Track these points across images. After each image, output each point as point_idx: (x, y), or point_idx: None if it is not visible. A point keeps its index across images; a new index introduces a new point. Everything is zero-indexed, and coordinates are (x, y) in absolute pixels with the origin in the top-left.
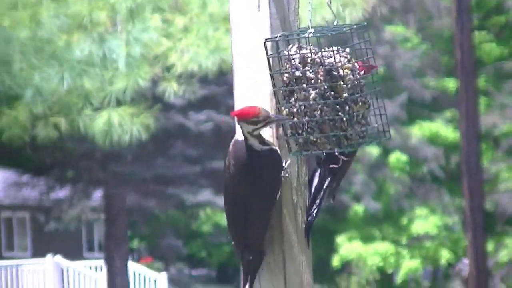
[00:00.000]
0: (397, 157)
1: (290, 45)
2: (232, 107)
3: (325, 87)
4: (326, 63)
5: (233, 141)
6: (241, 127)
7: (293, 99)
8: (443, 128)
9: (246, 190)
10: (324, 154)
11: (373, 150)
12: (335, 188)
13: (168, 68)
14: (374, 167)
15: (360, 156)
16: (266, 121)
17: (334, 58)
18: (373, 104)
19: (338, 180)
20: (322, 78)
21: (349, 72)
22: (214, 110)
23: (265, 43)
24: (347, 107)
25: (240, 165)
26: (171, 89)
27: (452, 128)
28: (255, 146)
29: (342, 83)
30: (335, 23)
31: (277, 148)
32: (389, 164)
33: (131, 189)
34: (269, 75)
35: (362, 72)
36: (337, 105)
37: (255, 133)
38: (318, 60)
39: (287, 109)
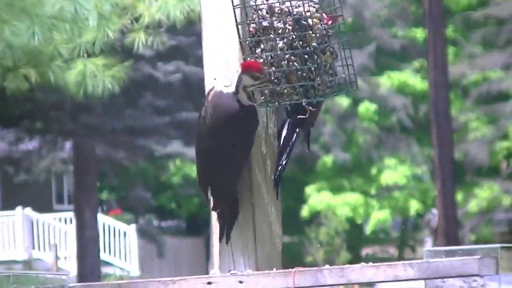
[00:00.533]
0: (366, 107)
1: None
2: (201, 58)
3: (293, 36)
4: (294, 13)
5: (213, 92)
6: (240, 80)
7: (259, 49)
8: (411, 77)
9: (223, 142)
10: (291, 105)
11: (342, 101)
12: (307, 138)
13: (136, 19)
14: (343, 118)
15: (329, 107)
16: (264, 80)
17: (304, 7)
18: (341, 55)
19: (306, 130)
20: (290, 27)
21: (317, 21)
22: (183, 61)
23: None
24: (315, 57)
25: (222, 117)
26: (140, 40)
27: (421, 78)
28: (243, 100)
29: (311, 32)
30: None
31: (257, 107)
32: (358, 114)
33: (101, 140)
34: (236, 26)
35: (329, 22)
36: (305, 54)
37: (250, 88)
38: (286, 9)
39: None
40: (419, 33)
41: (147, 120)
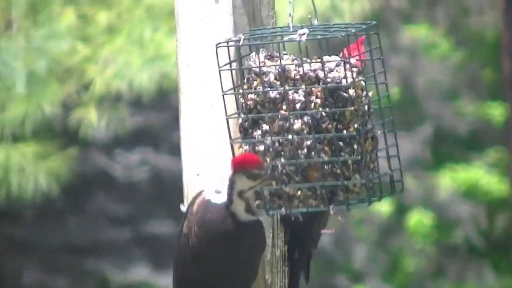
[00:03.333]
0: (418, 219)
1: (260, 52)
2: (177, 144)
3: (323, 114)
4: (328, 79)
5: (200, 199)
6: (232, 184)
7: (259, 131)
8: (485, 175)
9: (213, 272)
10: (303, 214)
11: (382, 208)
12: (307, 264)
13: (85, 87)
14: (384, 233)
15: (362, 217)
16: (264, 177)
17: (345, 71)
18: (384, 141)
19: (307, 252)
20: (319, 101)
21: (360, 92)
22: (152, 148)
23: (216, 49)
24: (357, 144)
25: (212, 239)
26: (89, 118)
27: (499, 176)
28: (240, 214)
29: (353, 108)
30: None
31: (261, 216)
32: (407, 228)
33: (31, 261)
34: (222, 96)
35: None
36: (341, 140)
37: (248, 194)
38: (311, 75)
39: (246, 147)
40: (497, 110)
41: (99, 233)
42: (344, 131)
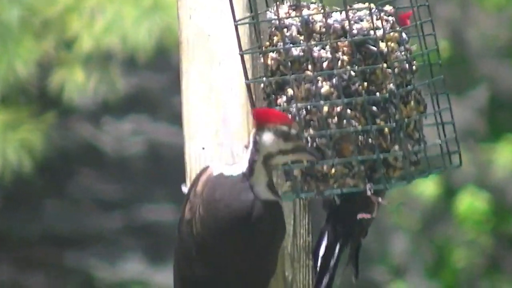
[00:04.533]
0: (470, 202)
1: (279, 3)
2: (178, 111)
3: (352, 73)
4: (354, 31)
5: (205, 176)
6: (255, 143)
7: (284, 97)
8: None
9: (224, 266)
10: (342, 197)
11: (427, 187)
12: (356, 258)
13: (68, 43)
14: (429, 219)
15: (402, 199)
16: (298, 143)
17: (372, 22)
18: (433, 106)
19: (355, 244)
20: (346, 58)
21: (395, 46)
22: (148, 116)
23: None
24: (392, 109)
25: (222, 222)
26: (74, 81)
27: None
28: (261, 189)
29: (385, 65)
30: None
31: (281, 200)
32: (457, 214)
33: (1, 255)
34: (240, 56)
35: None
36: (374, 105)
37: (277, 160)
38: (337, 26)
39: None
40: None
41: (84, 221)
42: (377, 93)
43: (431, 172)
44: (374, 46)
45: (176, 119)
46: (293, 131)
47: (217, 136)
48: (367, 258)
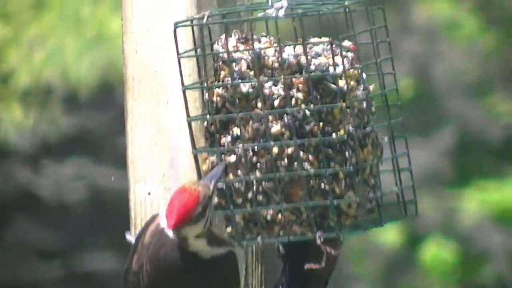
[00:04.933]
0: (436, 252)
1: (232, 34)
2: (123, 153)
3: (308, 112)
4: (312, 68)
5: (153, 227)
6: (183, 240)
7: (229, 137)
8: None
9: None
10: (287, 245)
11: (390, 237)
12: None
13: (5, 77)
14: (393, 270)
15: (363, 247)
16: (207, 202)
17: (333, 57)
18: (391, 150)
19: None
20: (301, 95)
21: (355, 85)
22: (90, 159)
23: (175, 30)
24: (348, 152)
25: (169, 280)
26: (11, 118)
27: None
28: (202, 252)
29: (344, 104)
30: None
31: (234, 247)
32: (422, 264)
33: None
34: (182, 92)
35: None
36: (330, 147)
37: (204, 230)
38: (292, 61)
39: (213, 158)
40: None
41: (22, 269)
42: (333, 134)
43: (387, 221)
44: (333, 83)
45: (120, 161)
46: (203, 201)
47: (164, 180)
48: None
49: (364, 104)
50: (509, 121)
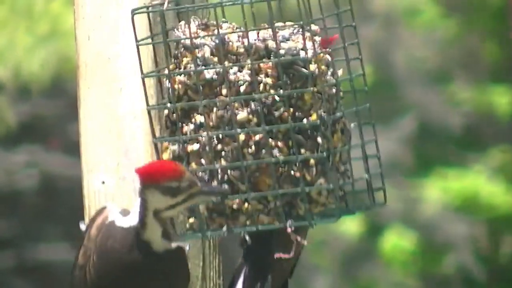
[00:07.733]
0: (396, 242)
1: (192, 21)
2: (75, 141)
3: (277, 98)
4: (282, 52)
5: (100, 219)
6: (143, 201)
7: (191, 125)
8: (486, 184)
9: None
10: (254, 235)
11: (350, 227)
12: None
13: None
14: (352, 261)
15: (324, 238)
16: (190, 192)
17: (304, 40)
18: (360, 137)
19: (279, 284)
20: (270, 80)
21: (325, 68)
22: (42, 146)
23: (132, 17)
24: (320, 139)
25: (116, 273)
26: None
27: (504, 184)
28: (155, 242)
29: (314, 89)
30: None
31: (184, 244)
32: (382, 254)
33: None
34: (142, 80)
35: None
36: (300, 133)
37: (167, 214)
38: (259, 45)
39: (175, 147)
40: (502, 97)
41: None
42: (304, 120)
43: (356, 210)
44: (304, 67)
45: (73, 149)
46: (184, 184)
47: (119, 169)
48: None
49: (334, 89)
50: (469, 108)
